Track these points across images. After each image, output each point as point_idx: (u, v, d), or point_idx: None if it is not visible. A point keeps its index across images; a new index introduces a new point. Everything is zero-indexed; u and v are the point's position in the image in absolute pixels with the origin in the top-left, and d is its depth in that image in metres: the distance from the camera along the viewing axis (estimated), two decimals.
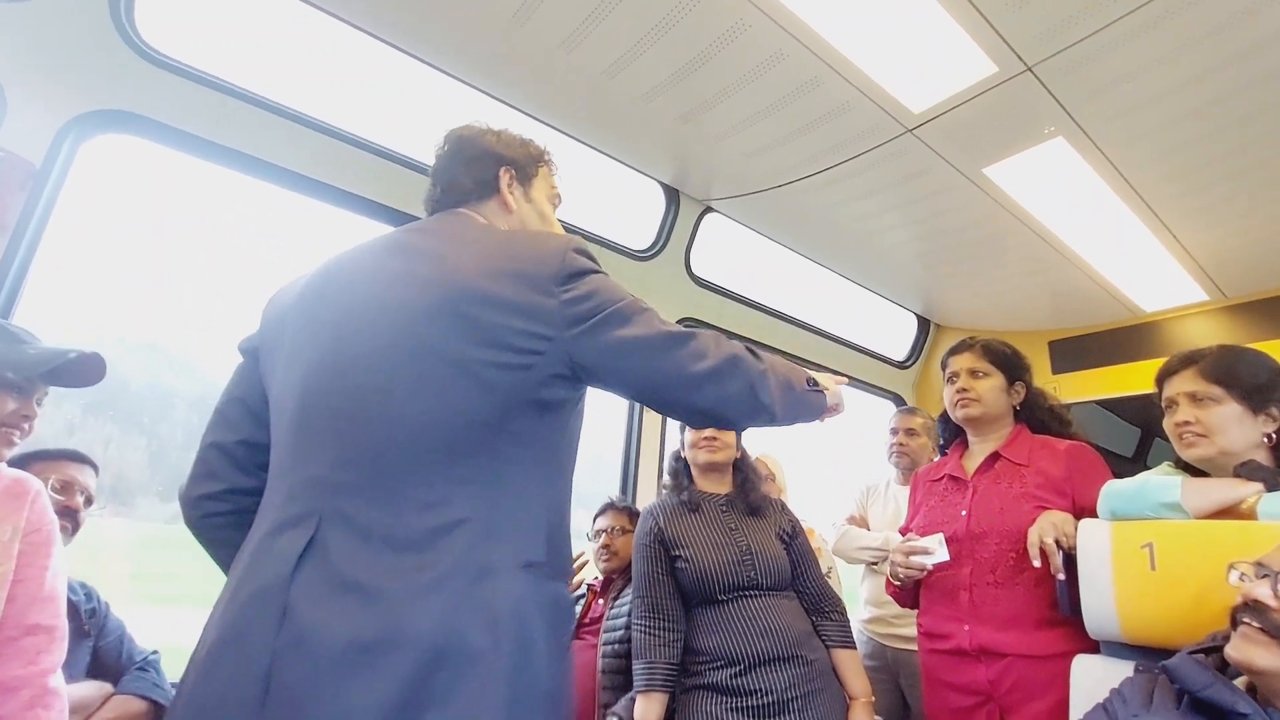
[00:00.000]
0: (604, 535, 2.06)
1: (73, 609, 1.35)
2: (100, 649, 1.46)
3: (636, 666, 1.53)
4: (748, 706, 1.44)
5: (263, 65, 1.88)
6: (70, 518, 1.41)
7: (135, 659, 1.49)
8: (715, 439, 1.75)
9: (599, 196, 2.58)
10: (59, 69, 1.57)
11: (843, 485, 2.64)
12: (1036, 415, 1.63)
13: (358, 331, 0.82)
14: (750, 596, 1.57)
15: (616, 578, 2.02)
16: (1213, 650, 0.95)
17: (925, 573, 1.53)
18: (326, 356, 0.82)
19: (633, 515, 2.10)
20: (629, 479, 2.53)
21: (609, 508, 2.15)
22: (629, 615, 1.69)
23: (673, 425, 1.89)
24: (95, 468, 1.53)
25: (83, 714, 1.29)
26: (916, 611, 1.67)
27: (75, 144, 1.60)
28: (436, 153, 1.05)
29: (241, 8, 1.89)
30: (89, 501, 1.48)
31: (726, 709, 1.45)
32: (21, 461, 1.41)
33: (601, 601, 2.02)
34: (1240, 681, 0.89)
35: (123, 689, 1.42)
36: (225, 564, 0.85)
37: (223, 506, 0.89)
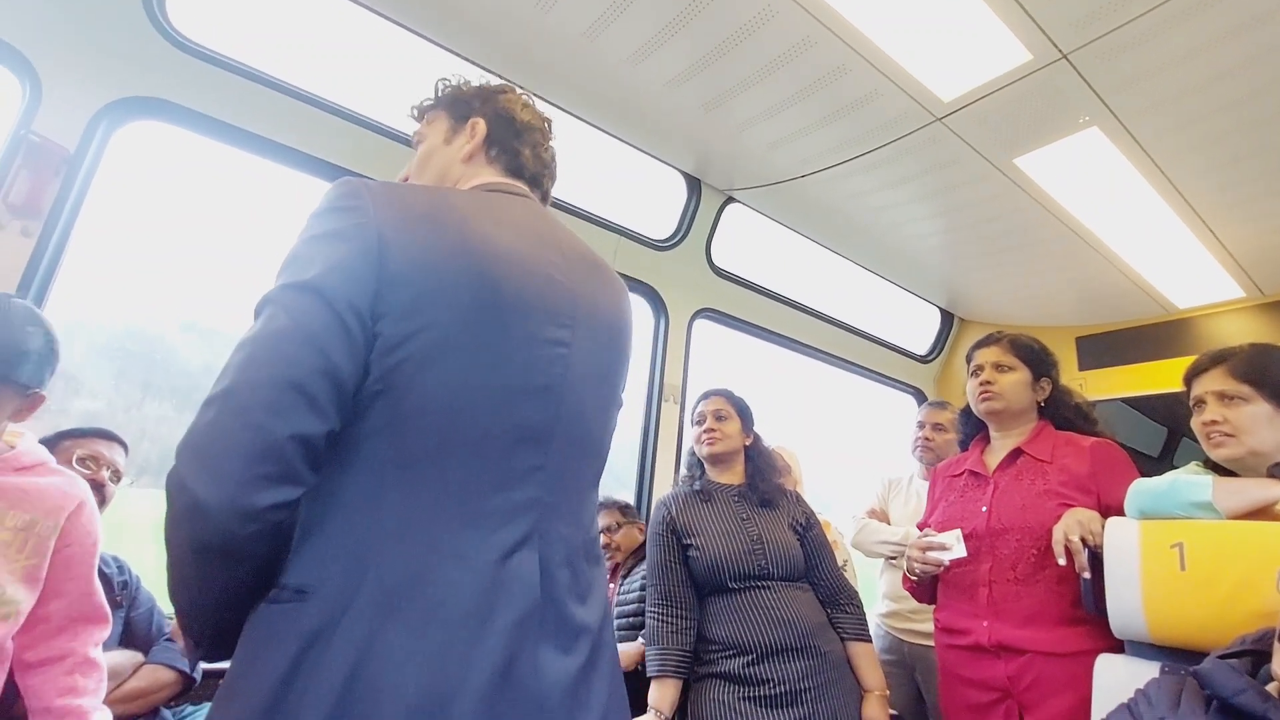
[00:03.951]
0: (603, 535, 2.10)
1: (106, 581, 1.39)
2: (132, 620, 1.51)
3: (650, 652, 1.54)
4: (760, 696, 1.44)
5: (291, 53, 1.90)
6: (97, 491, 1.45)
7: (164, 630, 1.54)
8: (714, 430, 1.76)
9: (620, 185, 2.58)
10: (93, 57, 1.59)
11: (861, 478, 2.62)
12: (1061, 412, 1.60)
13: (600, 362, 0.87)
14: (763, 587, 1.57)
15: (624, 560, 2.10)
16: (1244, 654, 0.93)
17: (942, 568, 1.51)
18: (573, 375, 0.82)
19: (623, 508, 2.19)
20: (645, 479, 2.52)
21: (601, 507, 2.17)
22: (639, 590, 1.72)
23: (688, 423, 1.91)
24: (125, 445, 1.58)
25: (115, 682, 1.34)
26: (933, 607, 1.66)
27: (109, 130, 1.63)
28: (551, 145, 1.03)
29: None
30: (117, 477, 1.53)
31: (739, 697, 1.45)
32: (53, 439, 1.46)
33: (612, 585, 2.06)
34: (1273, 688, 0.87)
35: (153, 659, 1.46)
36: (233, 580, 0.67)
37: (283, 516, 0.65)
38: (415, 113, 1.02)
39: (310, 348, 0.65)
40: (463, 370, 0.72)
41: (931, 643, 2.08)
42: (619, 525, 2.14)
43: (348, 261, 0.69)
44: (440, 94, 1.00)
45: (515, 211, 0.86)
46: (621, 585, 2.03)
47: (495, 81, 1.02)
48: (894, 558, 2.27)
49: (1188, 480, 1.22)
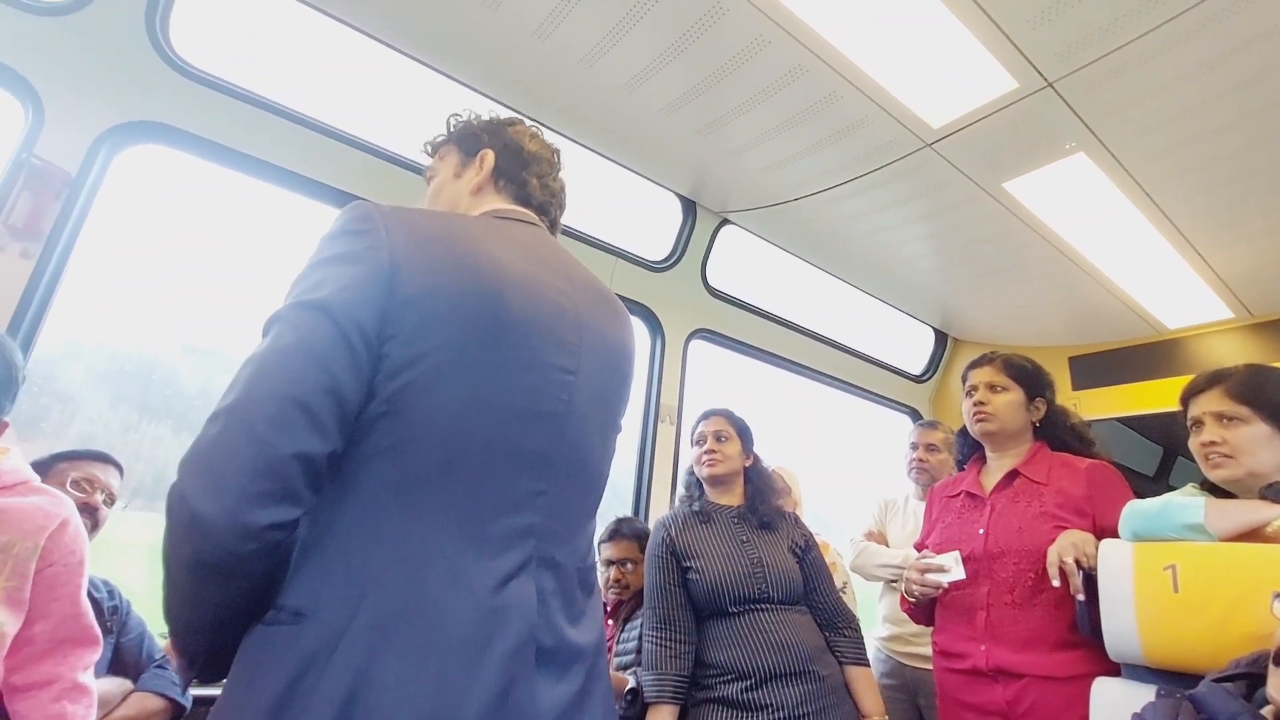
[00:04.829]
0: (614, 568, 1.91)
1: (95, 605, 1.37)
2: (121, 646, 1.48)
3: (647, 678, 1.53)
4: None
5: (293, 78, 1.93)
6: (90, 514, 1.43)
7: (155, 657, 1.51)
8: (714, 451, 1.74)
9: (617, 207, 2.61)
10: (95, 81, 1.62)
11: (861, 497, 2.62)
12: (1057, 433, 1.60)
13: (603, 389, 0.88)
14: (762, 610, 1.55)
15: (628, 600, 1.92)
16: (1238, 678, 0.93)
17: (940, 591, 1.51)
18: (576, 402, 0.82)
19: (643, 539, 1.95)
20: (641, 499, 2.50)
21: (618, 534, 1.96)
22: (639, 640, 1.66)
23: (684, 443, 1.88)
24: (120, 468, 1.57)
25: (104, 710, 1.32)
26: (933, 629, 1.65)
27: (110, 154, 1.65)
28: (560, 176, 1.04)
29: (276, 23, 1.94)
30: (111, 500, 1.52)
31: None
32: (48, 461, 1.45)
33: (611, 623, 1.94)
34: (1268, 711, 0.87)
35: (142, 686, 1.44)
36: (229, 599, 0.66)
37: (281, 536, 0.64)
38: (428, 149, 1.04)
39: (316, 365, 0.65)
40: (469, 393, 0.71)
41: (932, 666, 2.06)
42: (635, 563, 1.90)
43: (358, 282, 0.69)
44: (451, 129, 1.03)
45: (523, 237, 0.87)
46: (623, 631, 1.84)
47: (504, 114, 1.05)
48: (894, 580, 2.26)
49: (1180, 502, 1.22)
